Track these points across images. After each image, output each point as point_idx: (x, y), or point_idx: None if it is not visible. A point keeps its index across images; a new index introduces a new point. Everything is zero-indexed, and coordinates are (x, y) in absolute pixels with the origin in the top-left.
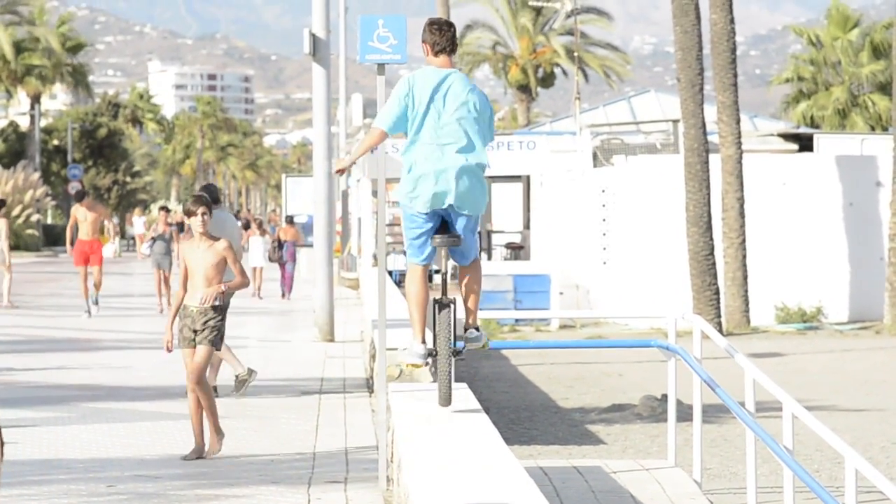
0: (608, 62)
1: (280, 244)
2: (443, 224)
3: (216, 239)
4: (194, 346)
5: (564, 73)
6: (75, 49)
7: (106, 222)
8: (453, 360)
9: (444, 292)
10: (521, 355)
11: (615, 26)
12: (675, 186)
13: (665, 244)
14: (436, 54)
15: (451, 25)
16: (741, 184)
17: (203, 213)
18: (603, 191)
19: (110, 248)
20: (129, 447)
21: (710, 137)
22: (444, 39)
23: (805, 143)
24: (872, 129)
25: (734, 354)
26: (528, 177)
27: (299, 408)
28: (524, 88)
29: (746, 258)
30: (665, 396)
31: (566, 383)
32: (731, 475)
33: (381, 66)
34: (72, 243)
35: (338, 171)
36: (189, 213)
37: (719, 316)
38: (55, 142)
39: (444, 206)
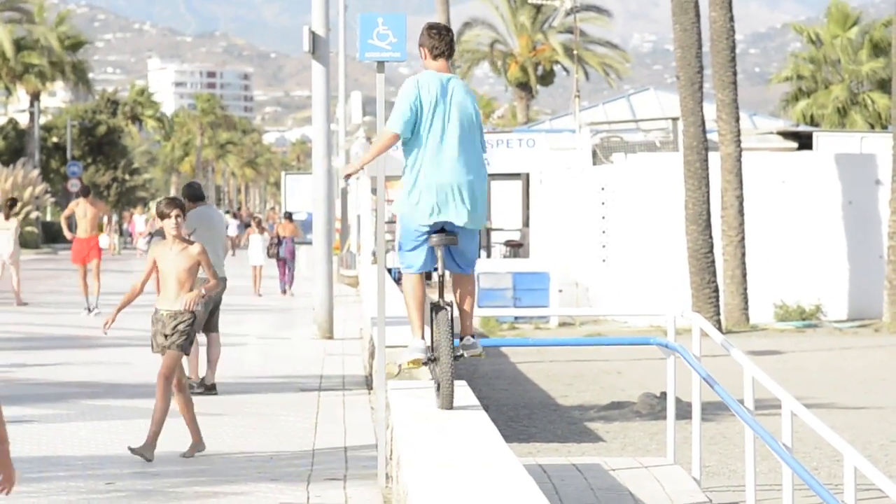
0: (607, 60)
1: (279, 240)
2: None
3: (190, 242)
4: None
5: (565, 70)
6: (75, 47)
7: (104, 218)
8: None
9: (442, 294)
10: (520, 353)
11: (614, 24)
12: (675, 184)
13: (664, 242)
14: (434, 58)
15: (449, 30)
16: (740, 182)
17: (177, 216)
18: (602, 189)
19: (105, 239)
20: (128, 444)
21: (709, 135)
22: (442, 44)
23: (804, 142)
24: (872, 127)
25: (731, 350)
26: (527, 174)
27: (298, 405)
28: (524, 86)
29: (745, 256)
30: (664, 394)
31: (565, 381)
32: (730, 473)
33: (380, 64)
34: (70, 229)
35: (346, 177)
36: (162, 216)
37: (718, 314)
38: (54, 139)
39: (442, 220)
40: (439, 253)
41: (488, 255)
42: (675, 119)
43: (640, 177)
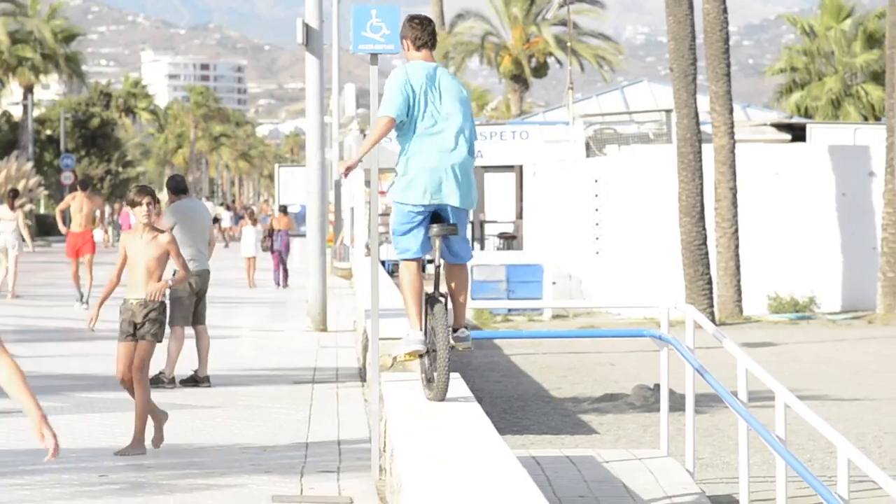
0: (601, 52)
1: (273, 233)
2: (435, 218)
3: (160, 231)
4: (133, 341)
5: (558, 62)
6: (68, 39)
7: (97, 211)
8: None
9: (437, 286)
10: (513, 345)
11: (608, 16)
12: (668, 176)
13: (658, 234)
14: (418, 49)
15: (431, 21)
16: (734, 174)
17: (148, 203)
18: (596, 181)
19: (101, 234)
20: (122, 437)
21: (703, 127)
22: (425, 34)
23: (798, 133)
24: (865, 118)
25: (724, 341)
26: (521, 167)
27: (292, 397)
28: (517, 78)
29: (739, 248)
30: (658, 386)
31: (559, 373)
32: (723, 465)
33: (374, 56)
34: (64, 222)
35: (346, 172)
36: (133, 204)
37: (712, 306)
38: (48, 132)
39: (437, 202)
40: (437, 243)
41: (482, 248)
42: (668, 111)
43: (633, 169)
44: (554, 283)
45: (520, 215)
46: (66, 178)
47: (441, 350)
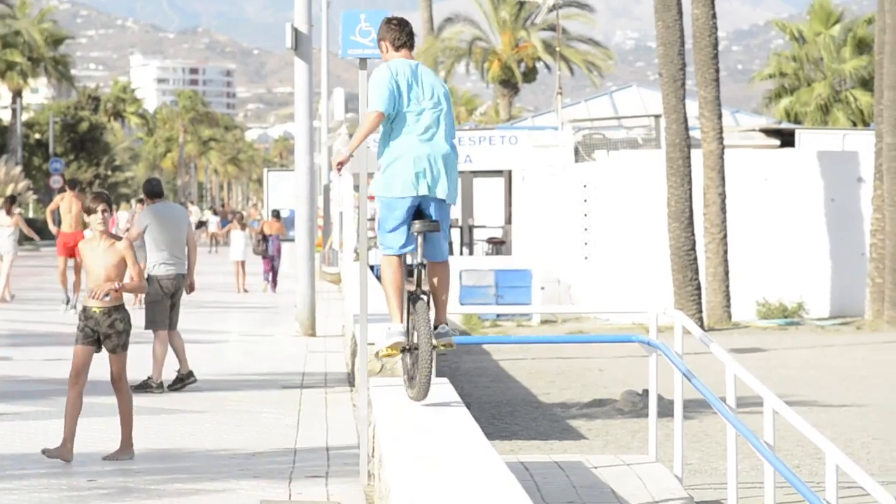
0: (590, 57)
1: (265, 238)
2: (417, 215)
3: (118, 238)
4: (91, 346)
5: (547, 67)
6: (57, 42)
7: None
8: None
9: (419, 283)
10: (502, 350)
11: (597, 21)
12: (657, 182)
13: (647, 239)
14: (397, 49)
15: (408, 22)
16: (723, 179)
17: (104, 211)
18: (584, 186)
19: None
20: (110, 441)
21: (691, 133)
22: (403, 34)
23: (787, 139)
24: (854, 124)
25: (712, 346)
26: (509, 172)
27: (280, 402)
28: (506, 83)
29: (728, 253)
30: (646, 391)
31: (547, 378)
32: (711, 470)
33: (363, 61)
34: (55, 223)
35: (339, 167)
36: (89, 211)
37: (700, 311)
38: (37, 136)
39: (421, 192)
40: (419, 240)
41: (471, 253)
42: (657, 116)
43: (622, 174)
44: (543, 288)
45: (508, 220)
46: (55, 182)
47: (423, 347)
